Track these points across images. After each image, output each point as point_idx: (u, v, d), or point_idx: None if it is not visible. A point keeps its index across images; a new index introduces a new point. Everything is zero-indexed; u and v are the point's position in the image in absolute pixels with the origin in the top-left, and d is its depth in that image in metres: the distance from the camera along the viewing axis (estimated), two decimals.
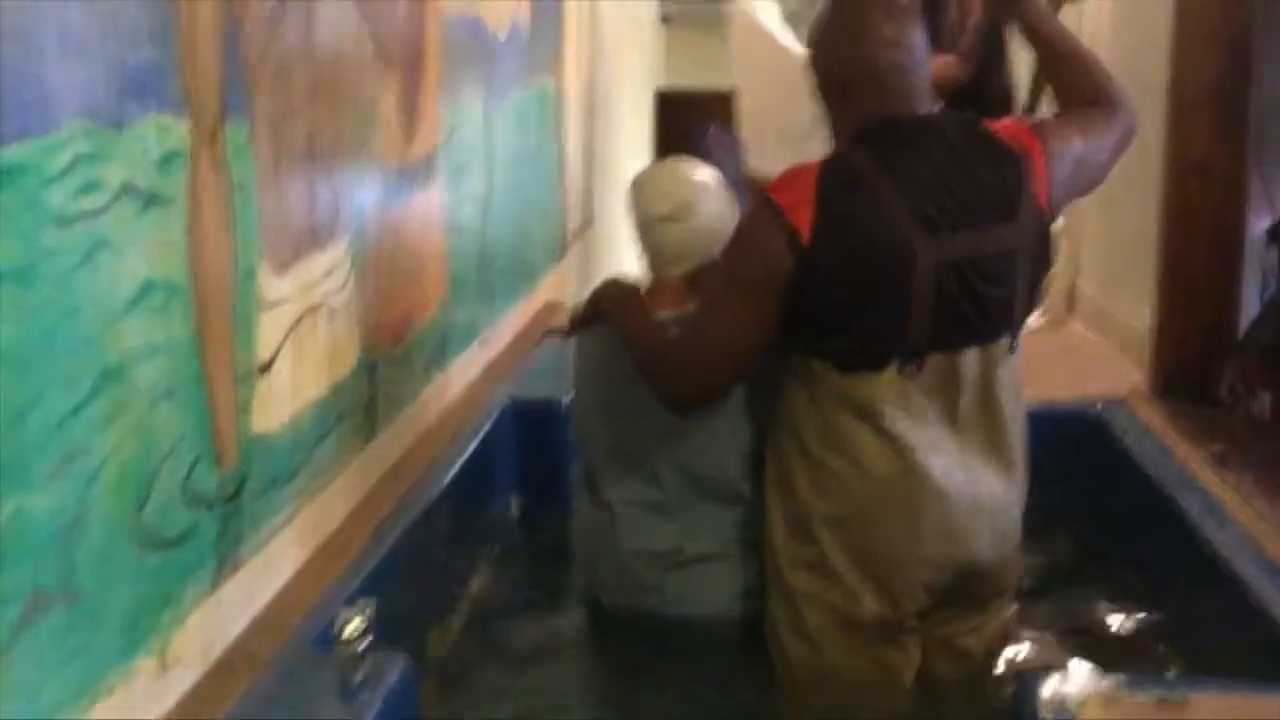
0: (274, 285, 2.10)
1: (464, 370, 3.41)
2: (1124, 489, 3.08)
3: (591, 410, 2.74)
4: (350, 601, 2.03)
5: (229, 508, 1.96)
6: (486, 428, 3.23)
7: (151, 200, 1.71)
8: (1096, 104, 2.49)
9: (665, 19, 8.23)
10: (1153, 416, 3.21)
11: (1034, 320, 4.47)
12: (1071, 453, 3.25)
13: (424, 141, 2.98)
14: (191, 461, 1.83)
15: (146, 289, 1.70)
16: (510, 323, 3.93)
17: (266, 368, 2.08)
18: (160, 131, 1.72)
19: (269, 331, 2.09)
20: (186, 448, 1.82)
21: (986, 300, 2.28)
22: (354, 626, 1.93)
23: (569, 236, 5.01)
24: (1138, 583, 2.93)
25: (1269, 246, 3.45)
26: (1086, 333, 4.21)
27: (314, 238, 2.28)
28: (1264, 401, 3.10)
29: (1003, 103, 4.67)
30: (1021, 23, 2.60)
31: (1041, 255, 2.37)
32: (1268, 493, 2.62)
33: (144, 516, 1.70)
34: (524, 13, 4.01)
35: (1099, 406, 3.36)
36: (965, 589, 2.36)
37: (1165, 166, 3.26)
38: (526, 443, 3.36)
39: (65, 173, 1.50)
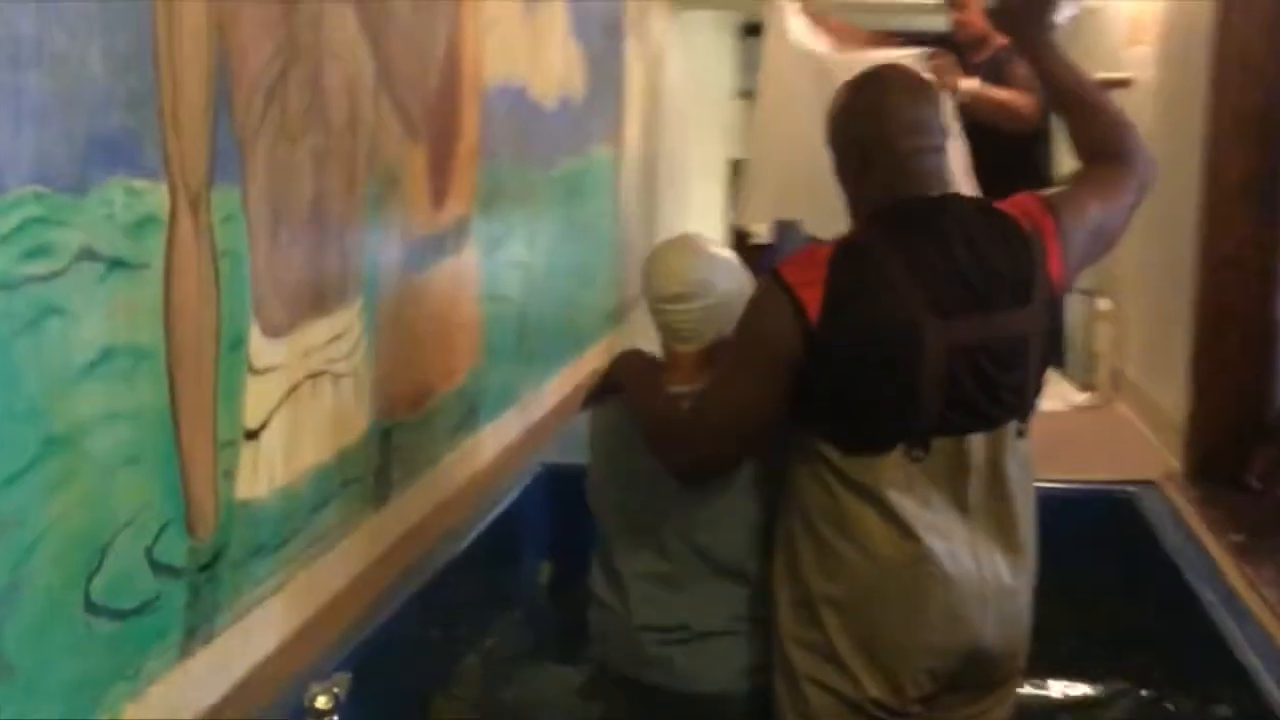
0: (267, 351, 1.99)
1: (498, 435, 3.28)
2: (1148, 572, 2.91)
3: (605, 481, 2.61)
4: (328, 674, 1.90)
5: (202, 576, 1.84)
6: (514, 494, 3.11)
7: (118, 265, 1.60)
8: (1113, 159, 2.32)
9: (743, 94, 8.15)
10: (1182, 501, 3.02)
11: (1081, 400, 4.34)
12: (1101, 533, 3.12)
13: (456, 208, 2.87)
14: (157, 530, 1.71)
15: (108, 355, 1.59)
16: (554, 387, 3.81)
17: (254, 434, 1.97)
18: (132, 197, 1.62)
19: (259, 398, 1.98)
20: (152, 516, 1.70)
21: (997, 386, 2.14)
22: (323, 702, 1.79)
23: (627, 302, 4.89)
24: (1154, 667, 2.77)
25: None
26: (1130, 414, 4.01)
27: (318, 303, 2.17)
28: None
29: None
30: (1032, 63, 2.45)
31: (1053, 336, 2.22)
32: None
33: (94, 587, 1.58)
34: (578, 84, 3.92)
35: (1130, 489, 3.18)
36: (971, 675, 2.19)
37: (1199, 257, 3.09)
38: (559, 509, 3.21)
39: (8, 238, 1.39)
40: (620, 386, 2.51)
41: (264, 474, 2.00)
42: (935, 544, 2.12)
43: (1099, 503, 3.18)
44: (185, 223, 1.73)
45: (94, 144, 1.54)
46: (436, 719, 2.49)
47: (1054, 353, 2.27)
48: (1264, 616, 2.34)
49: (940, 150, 2.22)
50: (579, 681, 2.78)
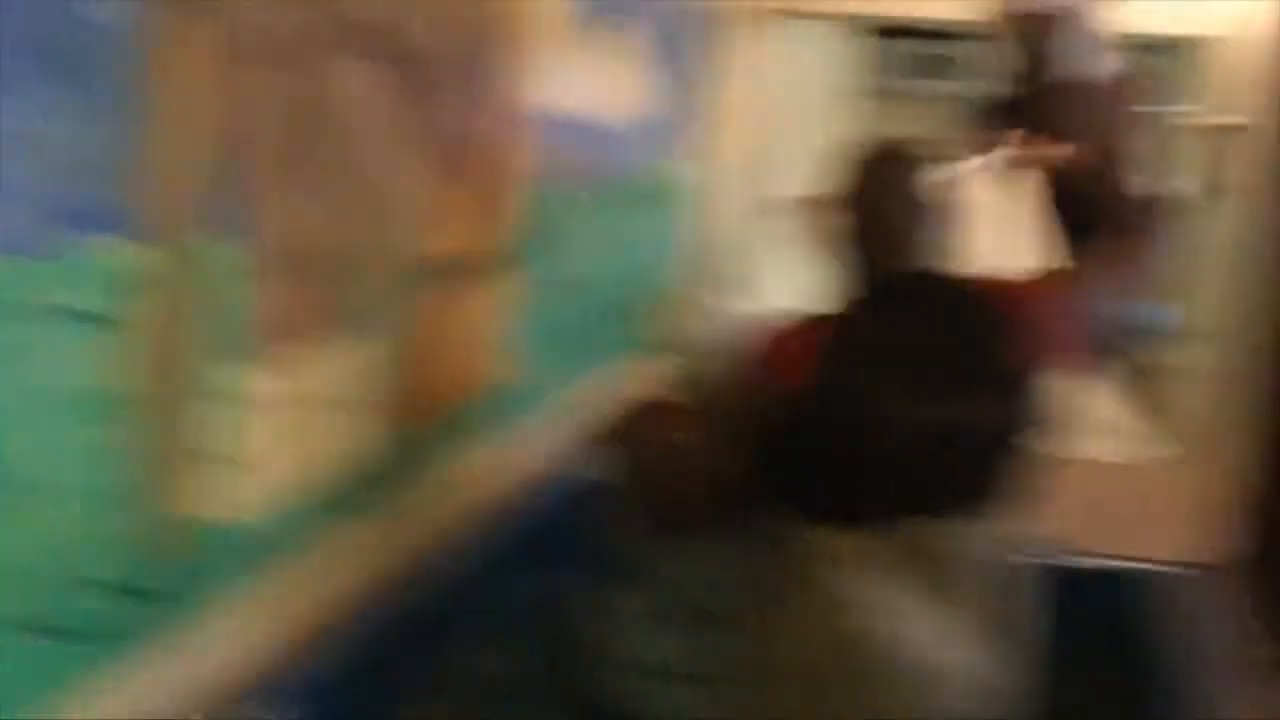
0: (257, 383, 1.98)
1: (520, 451, 3.24)
2: (1170, 669, 2.77)
3: (605, 515, 2.60)
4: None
5: (162, 598, 1.83)
6: (524, 513, 3.07)
7: (90, 318, 1.60)
8: (1121, 235, 2.28)
9: (880, 93, 8.00)
10: (1225, 595, 2.87)
11: (1164, 452, 4.15)
12: (1133, 618, 2.99)
13: (494, 235, 2.84)
14: (108, 553, 1.71)
15: (78, 396, 1.60)
16: (595, 398, 3.75)
17: (238, 462, 1.96)
18: (109, 254, 1.62)
19: (241, 428, 1.96)
20: (106, 541, 1.70)
21: (966, 472, 2.11)
22: None
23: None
24: None
25: None
26: (1212, 477, 3.82)
27: (321, 335, 2.16)
28: None
29: (1144, 210, 4.24)
30: None
31: (1030, 424, 2.18)
32: None
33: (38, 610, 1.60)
34: (654, 100, 3.85)
35: (1173, 573, 3.04)
36: None
37: (1275, 334, 2.93)
38: (578, 525, 3.18)
39: None
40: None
41: (246, 500, 2.00)
42: (895, 627, 2.10)
43: (1137, 585, 3.06)
44: (169, 275, 1.72)
45: (71, 207, 1.55)
46: None
47: (1033, 439, 2.19)
48: None
49: (933, 225, 2.18)
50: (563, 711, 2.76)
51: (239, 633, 2.07)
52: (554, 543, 3.16)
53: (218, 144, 1.79)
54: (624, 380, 3.93)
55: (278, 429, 2.06)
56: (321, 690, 2.14)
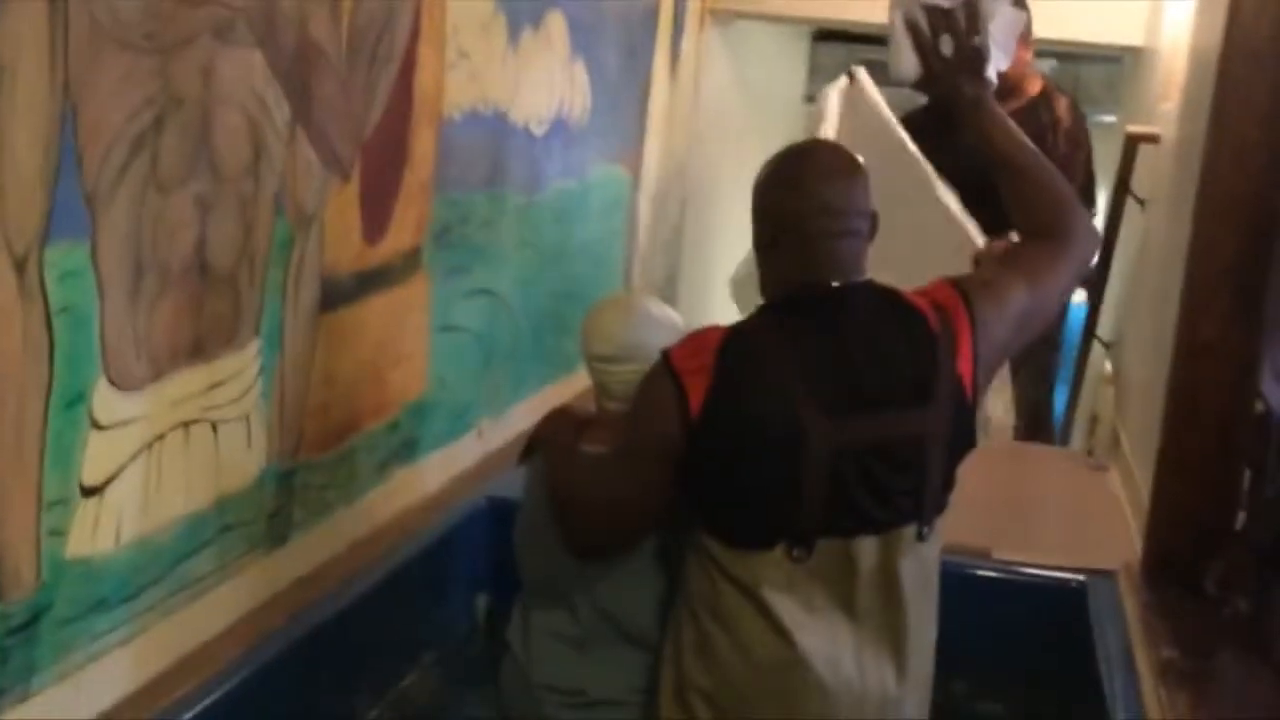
0: (118, 405, 1.94)
1: (446, 466, 3.21)
2: (1080, 674, 2.76)
3: (529, 533, 2.55)
4: None
5: (18, 638, 1.78)
6: (445, 527, 3.04)
7: None
8: (1049, 239, 2.22)
9: (810, 98, 7.96)
10: (1131, 600, 2.86)
11: (1084, 463, 4.16)
12: (1046, 624, 2.99)
13: (400, 241, 2.80)
14: None
15: None
16: (526, 413, 3.72)
17: (96, 490, 1.91)
18: None
19: (104, 453, 1.92)
20: None
21: (890, 489, 2.04)
22: None
23: None
24: None
25: None
26: (1119, 487, 3.84)
27: (195, 352, 2.11)
28: (1251, 601, 2.75)
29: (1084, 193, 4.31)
30: (966, 127, 2.31)
31: (961, 436, 2.11)
32: (1192, 718, 2.27)
33: None
34: (577, 106, 3.82)
35: (1083, 579, 3.03)
36: None
37: (1176, 344, 2.91)
38: (501, 542, 3.15)
39: None
40: (538, 447, 2.45)
41: (107, 528, 1.95)
42: (813, 649, 2.03)
43: (1051, 592, 3.05)
44: (7, 282, 1.67)
45: None
46: None
47: (965, 450, 2.15)
48: None
49: (856, 235, 2.09)
50: None
51: (123, 664, 2.03)
52: (470, 564, 3.14)
53: (54, 139, 1.73)
54: (554, 393, 3.90)
55: (135, 455, 2.01)
56: None
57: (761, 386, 2.01)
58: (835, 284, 2.07)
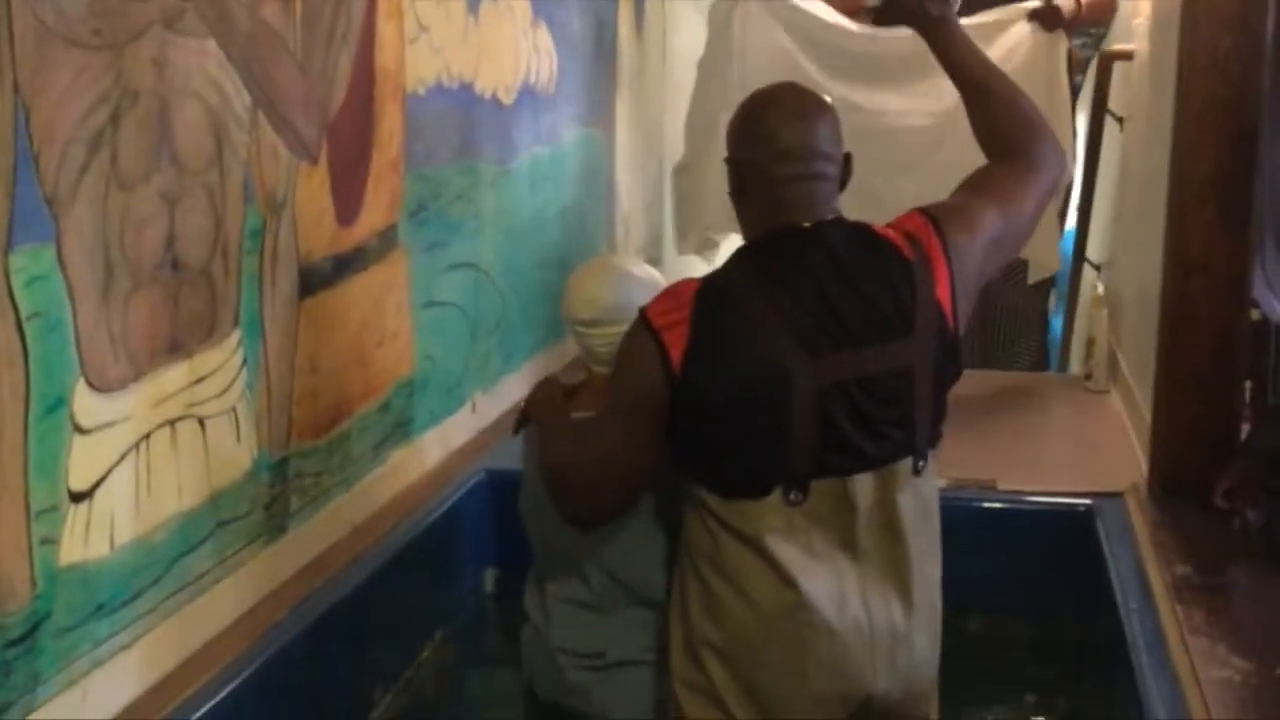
0: (100, 408, 1.91)
1: (442, 443, 3.19)
2: (1093, 598, 2.76)
3: (536, 501, 2.54)
4: None
5: (19, 650, 1.76)
6: (447, 504, 3.02)
7: None
8: (1017, 159, 2.20)
9: None
10: (1140, 520, 2.85)
11: (1083, 387, 4.14)
12: (1057, 548, 2.99)
13: (375, 221, 2.77)
14: None
15: None
16: (518, 384, 3.70)
17: (85, 495, 1.89)
18: None
19: (90, 457, 1.90)
20: None
21: (879, 423, 2.02)
22: None
23: None
24: (1083, 700, 2.71)
25: None
26: (1121, 409, 3.82)
27: (175, 347, 2.08)
28: (1260, 511, 2.74)
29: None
30: (932, 48, 2.29)
31: (947, 365, 2.09)
32: (1209, 632, 2.26)
33: None
34: (544, 72, 3.78)
35: (1090, 503, 3.02)
36: None
37: (1165, 260, 2.89)
38: (505, 514, 3.13)
39: None
40: (532, 418, 2.43)
41: (100, 533, 1.93)
42: (818, 593, 2.02)
43: (1060, 519, 3.04)
44: None
45: None
46: None
47: (952, 379, 2.13)
48: (1181, 667, 2.18)
49: (822, 177, 2.08)
50: (499, 705, 2.73)
51: (129, 667, 2.01)
52: (475, 538, 3.12)
53: (9, 142, 1.70)
54: (544, 362, 3.88)
55: (122, 456, 1.98)
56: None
57: (741, 332, 1.99)
58: (805, 225, 2.05)
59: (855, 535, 2.03)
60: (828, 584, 2.02)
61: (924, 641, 2.11)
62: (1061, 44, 3.76)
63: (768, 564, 2.02)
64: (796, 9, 3.73)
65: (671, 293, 2.08)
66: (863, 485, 2.02)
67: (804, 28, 3.73)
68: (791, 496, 2.00)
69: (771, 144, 2.05)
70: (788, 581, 2.01)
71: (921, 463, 2.06)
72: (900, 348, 2.02)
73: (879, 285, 2.02)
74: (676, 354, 1.99)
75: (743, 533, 2.03)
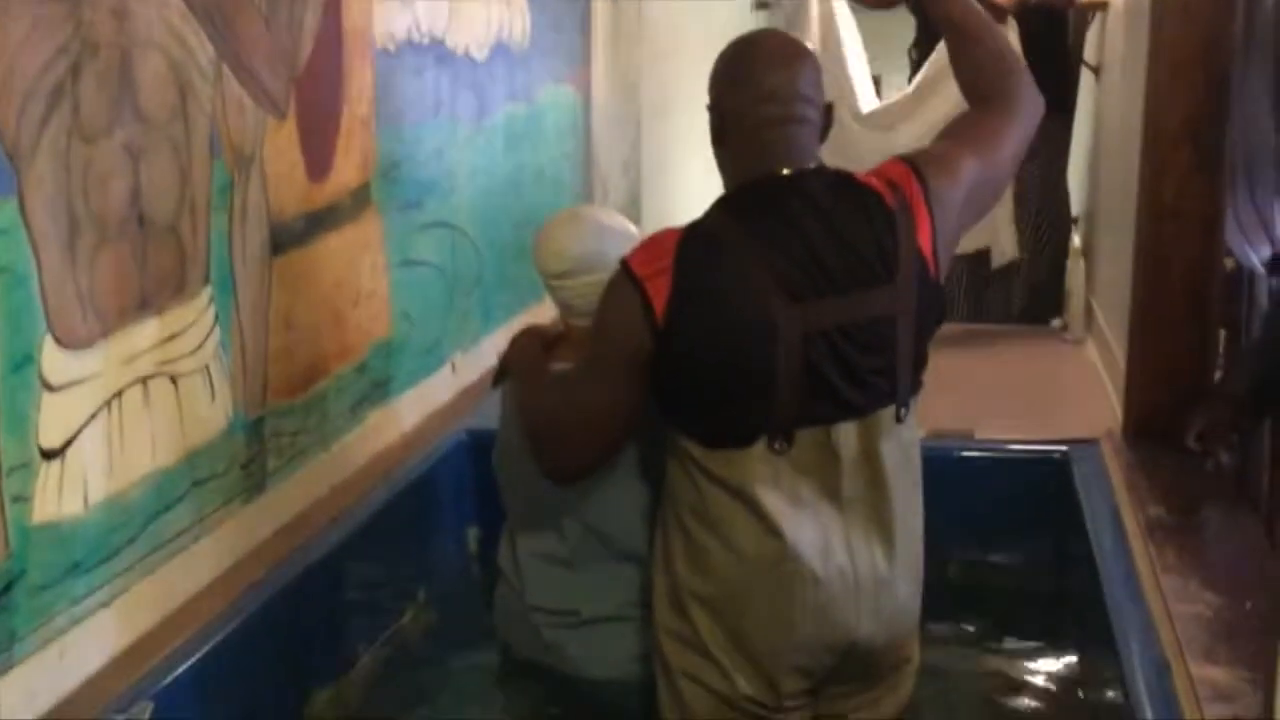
0: (69, 365, 1.89)
1: (421, 403, 3.17)
2: (1069, 541, 2.76)
3: (510, 457, 2.52)
4: (145, 695, 1.83)
5: None
6: (427, 464, 3.00)
7: None
8: (993, 104, 2.19)
9: (761, 5, 7.79)
10: (1115, 465, 2.85)
11: (1068, 333, 4.15)
12: (1033, 496, 2.99)
13: (347, 178, 2.74)
14: None
15: None
16: (499, 340, 3.68)
17: (57, 453, 1.87)
18: None
19: (60, 416, 1.88)
20: None
21: (862, 371, 2.01)
22: None
23: None
24: (1060, 640, 2.71)
25: (1271, 276, 3.07)
26: (1097, 358, 3.82)
27: (144, 304, 2.06)
28: (1232, 453, 2.74)
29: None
30: None
31: (929, 313, 2.08)
32: (1181, 570, 2.27)
33: None
34: (518, 28, 3.74)
35: (1065, 450, 3.02)
36: (851, 669, 2.10)
37: (1141, 206, 2.88)
38: (485, 474, 3.12)
39: None
40: (510, 372, 2.42)
41: (73, 491, 1.91)
42: (803, 541, 2.01)
43: (1034, 464, 3.04)
44: None
45: None
46: (314, 716, 2.41)
47: (934, 327, 2.12)
48: (1154, 604, 2.19)
49: (803, 122, 2.06)
50: (482, 665, 2.72)
51: (106, 626, 2.00)
52: (456, 498, 3.11)
53: None
54: (523, 322, 3.86)
55: (93, 414, 1.96)
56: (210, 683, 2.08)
57: (725, 279, 1.98)
58: (786, 172, 2.03)
59: (840, 483, 2.03)
60: (812, 532, 2.02)
61: (906, 588, 2.11)
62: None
63: (753, 513, 2.01)
64: None
65: (652, 242, 2.06)
66: (846, 433, 2.01)
67: None
68: (776, 445, 2.00)
69: (754, 87, 2.03)
70: (773, 530, 2.00)
71: (903, 410, 2.06)
72: (882, 295, 2.01)
73: (861, 233, 2.01)
74: (660, 303, 1.98)
75: (727, 482, 2.02)
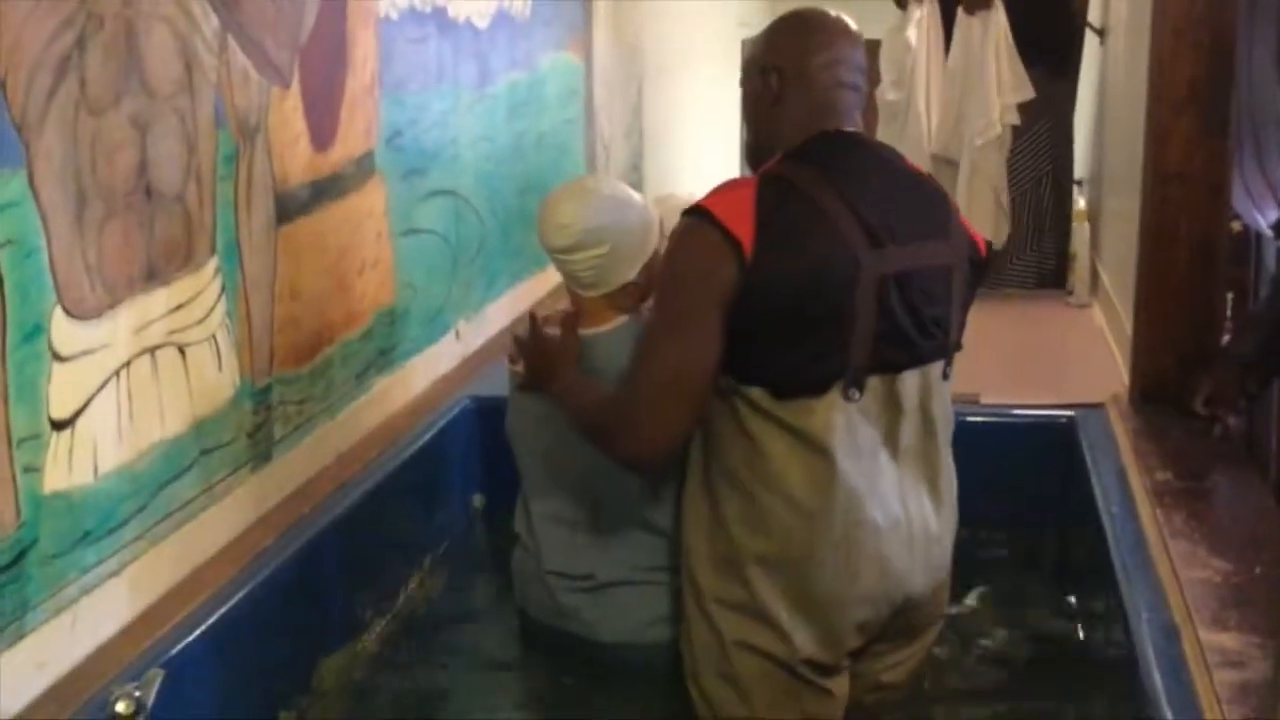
0: (78, 336, 1.90)
1: (426, 371, 3.19)
2: (1077, 506, 2.77)
3: (522, 422, 2.55)
4: (143, 670, 1.84)
5: (6, 576, 1.77)
6: (432, 432, 3.02)
7: None
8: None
9: None
10: (1121, 429, 2.87)
11: (1074, 298, 4.15)
12: (1039, 459, 3.01)
13: (351, 147, 2.75)
14: None
15: None
16: (502, 310, 3.70)
17: (67, 423, 1.88)
18: None
19: (70, 385, 1.89)
20: None
21: (925, 318, 2.07)
22: (123, 708, 1.73)
23: None
24: (1067, 607, 2.74)
25: (1278, 239, 3.08)
26: (1103, 322, 3.83)
27: (152, 274, 2.07)
28: (1240, 417, 2.76)
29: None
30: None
31: (972, 272, 2.18)
32: (1190, 535, 2.28)
33: None
34: None
35: (1072, 414, 3.03)
36: (899, 623, 2.15)
37: (1145, 172, 2.89)
38: (491, 441, 3.14)
39: None
40: (541, 388, 2.38)
41: (83, 460, 1.93)
42: (865, 492, 2.04)
43: (1041, 428, 3.06)
44: None
45: None
46: (324, 682, 2.44)
47: (975, 288, 2.22)
48: (1162, 568, 2.20)
49: (857, 90, 2.15)
50: (489, 629, 2.75)
51: (118, 595, 2.02)
52: (462, 464, 3.13)
53: None
54: (527, 289, 3.88)
55: (103, 384, 1.97)
56: (220, 651, 2.10)
57: (810, 220, 2.00)
58: (851, 129, 2.12)
59: (899, 435, 2.08)
60: (873, 482, 2.05)
61: (949, 541, 2.18)
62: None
63: (819, 465, 2.02)
64: None
65: (726, 190, 2.09)
66: (909, 384, 2.07)
67: None
68: (850, 393, 2.02)
69: (830, 51, 2.12)
70: (839, 481, 2.02)
71: (949, 368, 2.13)
72: (942, 247, 2.10)
73: (919, 189, 2.14)
74: (748, 244, 1.98)
75: (797, 432, 2.01)
